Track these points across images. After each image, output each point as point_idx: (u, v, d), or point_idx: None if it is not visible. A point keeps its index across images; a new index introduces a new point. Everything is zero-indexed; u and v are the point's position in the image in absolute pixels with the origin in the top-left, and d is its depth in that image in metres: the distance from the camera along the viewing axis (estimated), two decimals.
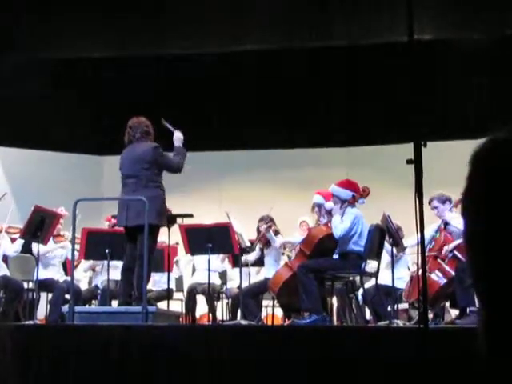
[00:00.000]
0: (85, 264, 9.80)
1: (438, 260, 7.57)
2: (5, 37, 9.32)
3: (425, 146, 4.04)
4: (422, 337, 4.01)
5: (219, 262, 9.65)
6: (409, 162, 4.05)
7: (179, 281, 10.34)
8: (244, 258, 8.85)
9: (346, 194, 7.38)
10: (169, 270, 8.75)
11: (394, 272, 7.65)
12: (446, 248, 7.55)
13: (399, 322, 7.31)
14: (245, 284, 8.81)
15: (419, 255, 4.13)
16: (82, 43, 9.87)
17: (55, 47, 10.05)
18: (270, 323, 9.45)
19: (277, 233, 8.90)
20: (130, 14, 8.94)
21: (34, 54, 10.55)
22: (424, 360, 4.04)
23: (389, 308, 8.02)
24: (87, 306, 9.22)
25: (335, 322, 8.61)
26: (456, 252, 7.39)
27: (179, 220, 8.34)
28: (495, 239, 1.08)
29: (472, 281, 1.16)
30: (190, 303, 9.65)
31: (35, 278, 8.21)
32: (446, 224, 7.64)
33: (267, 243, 8.85)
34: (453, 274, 7.23)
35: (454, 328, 6.39)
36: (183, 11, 8.89)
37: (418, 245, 4.20)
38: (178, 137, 7.43)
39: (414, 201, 3.97)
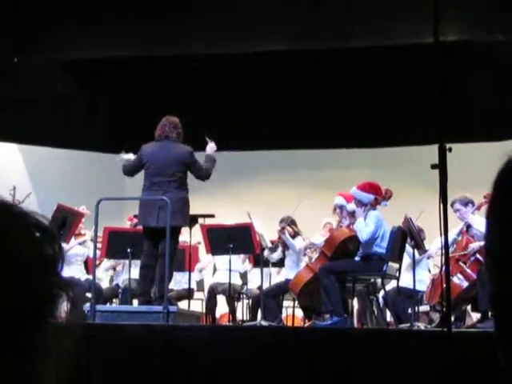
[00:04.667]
0: (106, 264, 9.84)
1: (460, 263, 7.53)
2: (28, 38, 9.38)
3: (450, 150, 4.01)
4: (445, 340, 3.99)
5: (240, 262, 9.65)
6: (433, 166, 4.02)
7: (200, 280, 10.35)
8: (267, 253, 8.81)
9: (368, 197, 7.36)
10: (190, 270, 8.76)
11: (415, 274, 7.61)
12: (471, 246, 7.50)
13: (420, 325, 7.27)
14: (265, 285, 8.80)
15: (443, 261, 4.10)
16: (105, 43, 9.92)
17: (77, 47, 10.10)
18: (290, 324, 9.43)
19: (297, 234, 8.87)
20: (152, 15, 8.96)
21: (57, 55, 10.61)
22: (446, 363, 4.02)
23: (409, 310, 7.98)
24: (108, 304, 9.25)
25: (356, 324, 8.58)
26: (478, 255, 7.35)
27: (201, 220, 8.36)
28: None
29: (489, 302, 1.17)
30: (211, 303, 9.66)
31: None
32: (469, 227, 7.59)
33: (286, 245, 8.84)
34: (475, 277, 7.18)
35: (475, 332, 6.34)
36: (205, 13, 8.89)
37: (441, 248, 4.18)
38: (211, 147, 7.59)
39: (439, 206, 3.95)
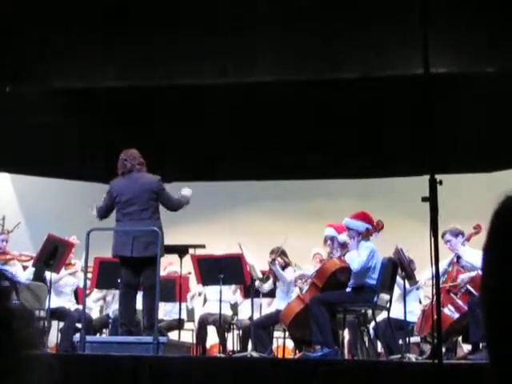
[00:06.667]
0: (95, 295, 9.80)
1: (451, 294, 7.53)
2: (19, 67, 9.41)
3: (440, 183, 4.03)
4: (436, 371, 3.98)
5: (231, 293, 9.63)
6: (424, 199, 4.04)
7: (190, 311, 10.31)
8: (258, 284, 8.78)
9: (363, 225, 7.35)
10: (180, 300, 8.73)
11: (406, 305, 7.60)
12: (461, 277, 7.51)
13: (411, 356, 7.24)
14: (256, 315, 8.77)
15: (434, 292, 4.10)
16: (96, 72, 9.95)
17: (69, 77, 10.13)
18: (280, 355, 9.39)
19: (287, 265, 8.86)
20: (140, 44, 9.02)
21: (48, 84, 10.64)
22: None
23: (400, 341, 7.96)
24: (98, 334, 9.20)
25: (346, 356, 8.54)
26: (469, 286, 7.35)
27: (191, 250, 8.35)
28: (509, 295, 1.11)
29: (485, 339, 1.18)
30: (201, 334, 9.61)
31: (47, 306, 8.20)
32: (459, 258, 7.61)
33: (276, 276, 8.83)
34: (465, 308, 7.18)
35: (466, 363, 6.33)
36: (193, 42, 8.95)
37: (432, 279, 4.18)
38: (188, 190, 7.64)
39: (430, 238, 3.96)
